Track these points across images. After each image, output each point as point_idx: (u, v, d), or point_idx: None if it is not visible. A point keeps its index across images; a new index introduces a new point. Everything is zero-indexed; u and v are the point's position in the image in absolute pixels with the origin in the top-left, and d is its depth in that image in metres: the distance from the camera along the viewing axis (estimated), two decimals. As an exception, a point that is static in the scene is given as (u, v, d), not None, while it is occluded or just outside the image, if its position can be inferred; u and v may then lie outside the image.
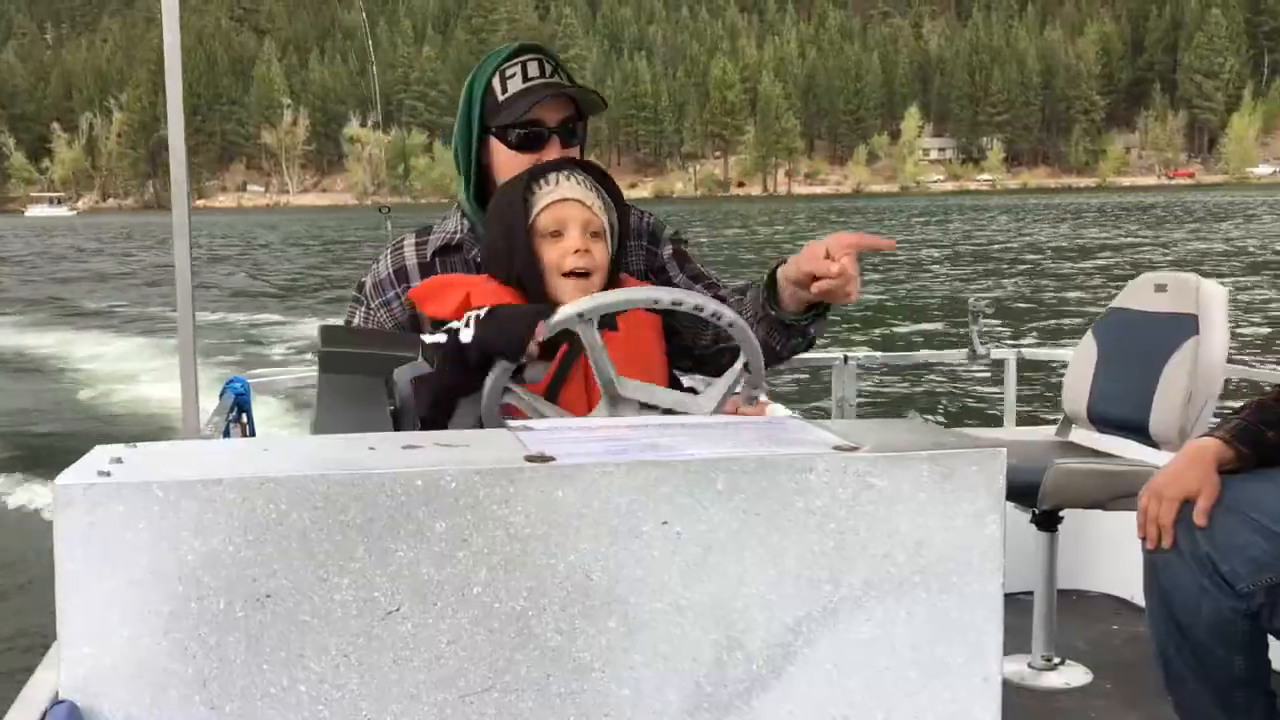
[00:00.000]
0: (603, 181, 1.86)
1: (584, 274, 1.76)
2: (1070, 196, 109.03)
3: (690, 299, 1.52)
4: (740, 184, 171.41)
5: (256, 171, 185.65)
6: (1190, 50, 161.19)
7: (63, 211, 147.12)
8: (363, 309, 1.99)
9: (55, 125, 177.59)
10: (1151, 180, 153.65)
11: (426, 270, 1.97)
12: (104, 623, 0.94)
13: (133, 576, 0.94)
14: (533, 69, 1.94)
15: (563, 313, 1.49)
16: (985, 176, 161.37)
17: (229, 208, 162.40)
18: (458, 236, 2.00)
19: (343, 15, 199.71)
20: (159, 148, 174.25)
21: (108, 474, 0.96)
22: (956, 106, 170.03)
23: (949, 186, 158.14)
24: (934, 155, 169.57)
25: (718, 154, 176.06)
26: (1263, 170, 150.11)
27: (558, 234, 1.77)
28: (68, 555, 0.93)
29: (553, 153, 1.92)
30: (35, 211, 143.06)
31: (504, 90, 1.93)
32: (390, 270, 1.98)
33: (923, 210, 73.28)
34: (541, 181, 1.81)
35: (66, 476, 0.95)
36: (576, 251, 1.75)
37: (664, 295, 1.52)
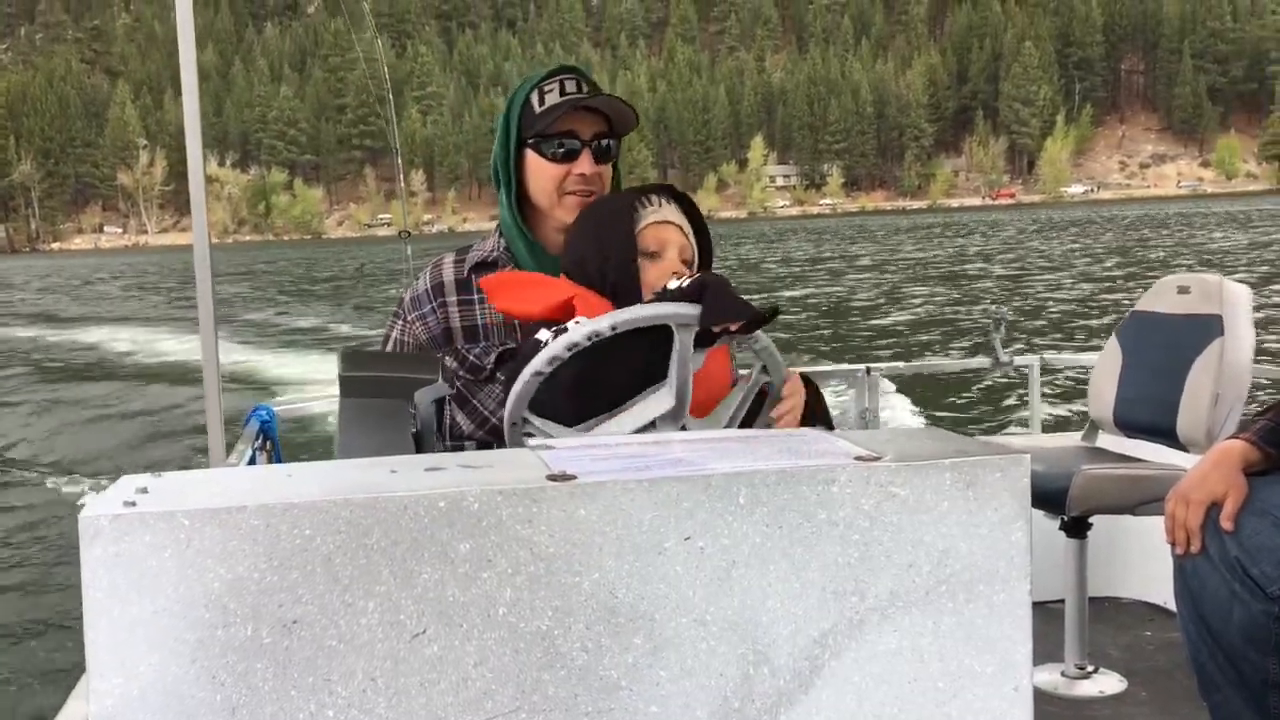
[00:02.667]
0: (690, 212, 1.92)
1: None
2: (908, 218, 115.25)
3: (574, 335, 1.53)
4: None
5: (114, 213, 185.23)
6: (1009, 80, 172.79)
7: None
8: (401, 322, 2.08)
9: None
10: (977, 201, 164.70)
11: (463, 286, 2.06)
12: (132, 652, 0.95)
13: (159, 605, 0.95)
14: (570, 85, 2.02)
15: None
16: (827, 201, 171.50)
17: (86, 249, 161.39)
18: (494, 254, 2.08)
19: (199, 57, 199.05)
20: (11, 192, 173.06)
21: (133, 504, 0.96)
22: (799, 135, 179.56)
23: (794, 211, 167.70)
24: (780, 182, 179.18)
25: None
26: (1075, 190, 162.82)
27: (657, 254, 1.81)
28: (95, 586, 0.94)
29: (584, 165, 1.98)
30: None
31: (541, 104, 2.00)
32: (429, 285, 2.07)
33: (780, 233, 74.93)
34: (646, 200, 1.86)
35: (91, 508, 0.96)
36: (675, 274, 1.79)
37: (539, 363, 1.53)
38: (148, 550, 0.94)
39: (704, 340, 1.58)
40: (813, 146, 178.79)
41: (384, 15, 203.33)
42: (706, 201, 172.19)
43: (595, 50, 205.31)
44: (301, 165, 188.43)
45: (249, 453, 2.56)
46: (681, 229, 1.84)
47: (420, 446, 1.48)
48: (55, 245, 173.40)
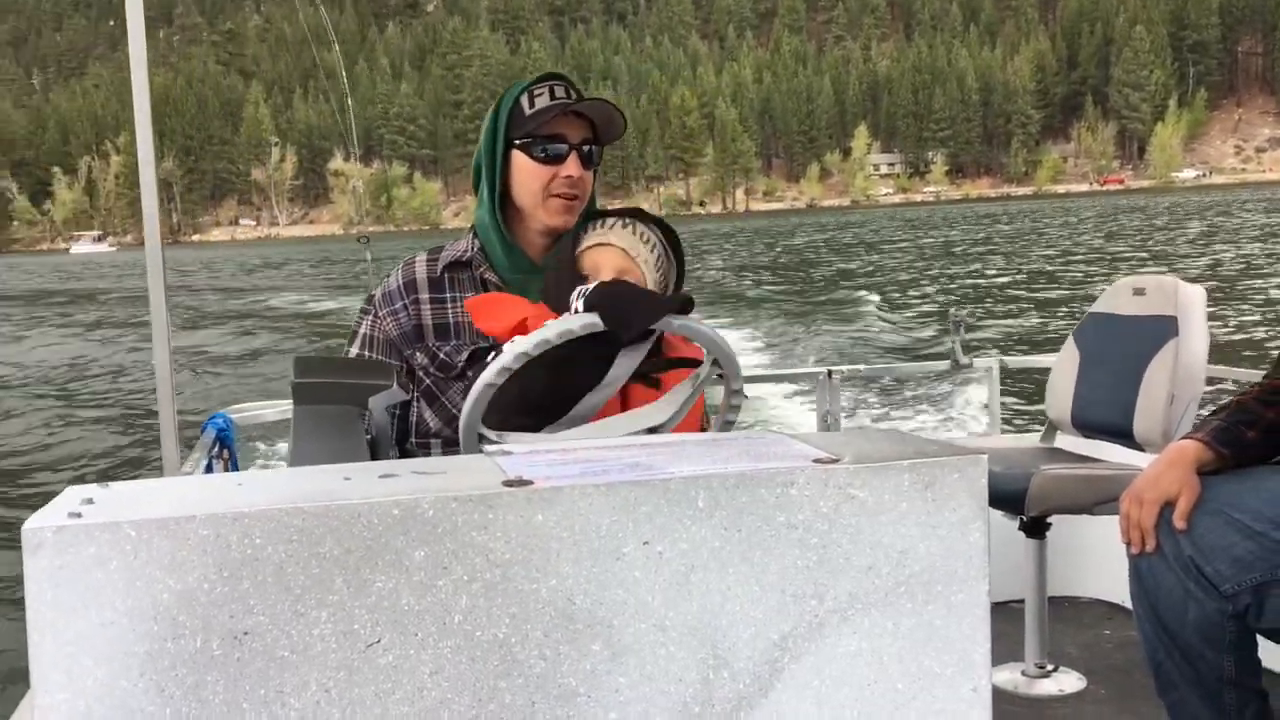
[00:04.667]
0: (667, 237, 1.90)
1: None
2: (1016, 204, 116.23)
3: (530, 341, 1.52)
4: (701, 203, 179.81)
5: (248, 206, 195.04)
6: (1120, 64, 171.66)
7: (104, 248, 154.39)
8: (370, 318, 2.07)
9: (56, 169, 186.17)
10: (1084, 187, 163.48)
11: (435, 284, 2.06)
12: (78, 666, 0.93)
13: (106, 618, 0.93)
14: (559, 91, 2.04)
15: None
16: (931, 188, 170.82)
17: (224, 240, 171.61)
18: (468, 254, 2.08)
19: (323, 56, 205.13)
20: (157, 187, 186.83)
21: (78, 515, 0.94)
22: (903, 123, 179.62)
23: (896, 199, 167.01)
24: (883, 170, 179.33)
25: (680, 175, 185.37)
26: (1187, 174, 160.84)
27: (590, 277, 1.81)
28: (39, 599, 0.92)
29: (571, 168, 2.00)
30: (79, 249, 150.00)
31: (531, 106, 2.02)
32: (400, 282, 2.07)
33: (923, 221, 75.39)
34: (594, 225, 1.87)
35: (35, 520, 0.94)
36: (580, 291, 1.77)
37: (489, 375, 1.52)
38: (93, 562, 0.92)
39: (653, 341, 1.61)
40: (917, 134, 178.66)
41: (499, 12, 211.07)
42: (809, 190, 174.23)
43: (703, 42, 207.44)
44: (420, 159, 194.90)
45: (205, 462, 2.52)
46: (626, 251, 1.82)
47: (375, 453, 1.47)
48: (195, 237, 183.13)
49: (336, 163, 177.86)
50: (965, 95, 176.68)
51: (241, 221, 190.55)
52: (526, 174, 2.01)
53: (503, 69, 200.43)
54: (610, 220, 1.88)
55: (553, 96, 2.02)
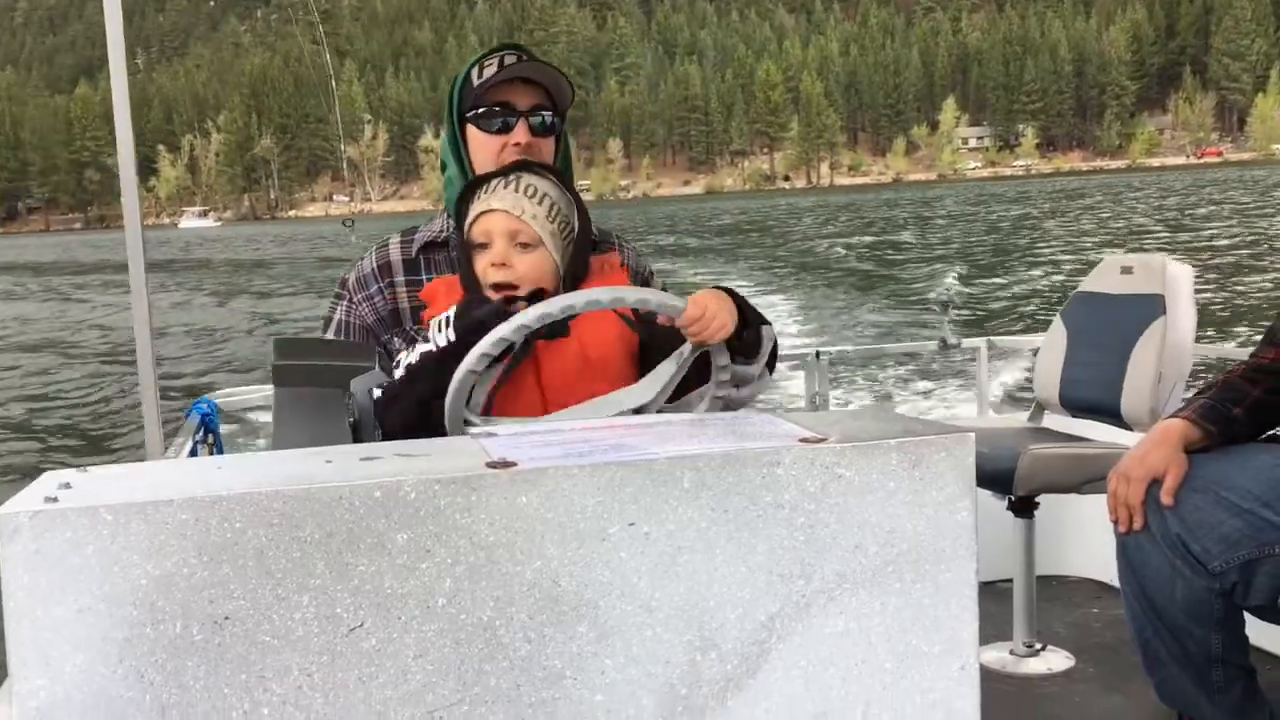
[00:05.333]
0: (562, 183, 1.86)
1: (509, 287, 1.75)
2: (1110, 177, 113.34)
3: (631, 294, 1.49)
4: (786, 178, 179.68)
5: (341, 182, 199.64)
6: (1219, 34, 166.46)
7: (210, 223, 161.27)
8: (345, 303, 2.03)
9: (160, 147, 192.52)
10: (1180, 160, 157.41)
11: (411, 266, 2.01)
12: (56, 653, 0.91)
13: (84, 604, 0.91)
14: (509, 60, 1.99)
15: (499, 331, 1.47)
16: (1021, 162, 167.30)
17: (319, 216, 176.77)
18: (443, 234, 2.04)
19: (414, 34, 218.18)
20: (253, 164, 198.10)
21: (54, 499, 0.93)
22: (993, 96, 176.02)
23: (985, 173, 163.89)
24: (972, 143, 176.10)
25: (764, 150, 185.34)
26: None
27: (484, 245, 1.78)
28: (15, 585, 0.90)
29: (520, 135, 1.95)
30: (186, 224, 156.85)
31: (480, 77, 1.98)
32: (375, 265, 2.02)
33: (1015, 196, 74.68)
34: (481, 190, 1.82)
35: (11, 505, 0.92)
36: (494, 265, 1.76)
37: (603, 295, 1.49)
38: (69, 547, 0.91)
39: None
40: (1007, 107, 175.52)
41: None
42: (895, 164, 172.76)
43: (790, 16, 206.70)
44: None
45: (189, 446, 2.50)
46: (509, 212, 1.77)
47: (358, 436, 1.45)
48: (292, 212, 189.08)
49: (426, 139, 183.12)
50: (1058, 67, 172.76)
51: (335, 197, 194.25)
52: (480, 146, 1.98)
53: (589, 45, 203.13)
54: (493, 182, 1.82)
55: (501, 66, 1.97)
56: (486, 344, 1.48)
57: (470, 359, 1.47)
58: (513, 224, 1.77)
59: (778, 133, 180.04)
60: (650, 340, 1.83)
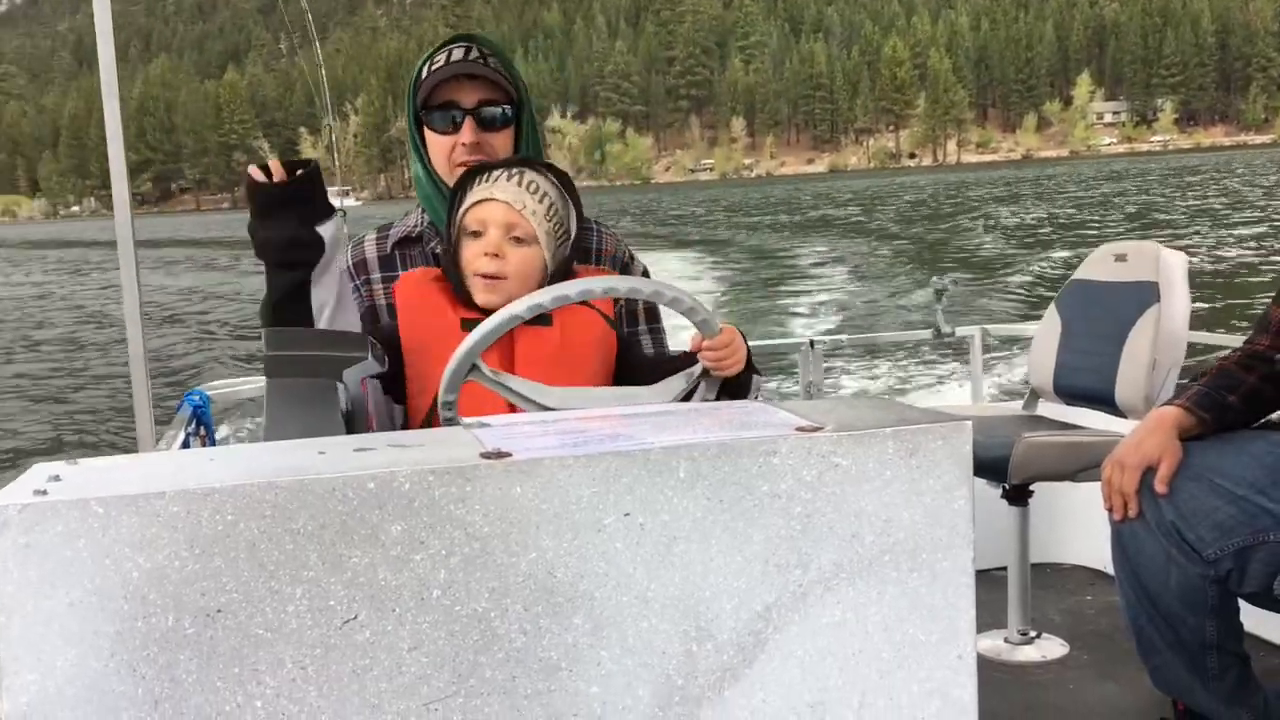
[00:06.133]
0: (563, 183, 1.85)
1: (497, 278, 1.74)
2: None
3: (673, 291, 1.48)
4: (911, 155, 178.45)
5: None
6: None
7: (351, 201, 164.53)
8: None
9: (302, 129, 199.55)
10: None
11: (386, 262, 2.00)
12: (47, 647, 0.91)
13: (75, 597, 0.91)
14: (456, 54, 1.96)
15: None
16: (1158, 137, 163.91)
17: None
18: (418, 229, 2.02)
19: (544, 16, 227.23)
20: (389, 146, 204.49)
21: (44, 492, 0.92)
22: (1130, 70, 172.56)
23: (1120, 149, 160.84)
24: (1107, 119, 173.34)
25: (889, 128, 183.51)
26: None
27: (477, 234, 1.76)
28: (5, 579, 0.89)
29: (467, 134, 1.93)
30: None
31: (428, 74, 1.95)
32: (350, 264, 2.00)
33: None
34: (480, 178, 1.80)
35: (0, 497, 0.91)
36: (487, 254, 1.74)
37: (645, 286, 1.46)
38: (60, 540, 0.90)
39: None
40: (1145, 81, 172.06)
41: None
42: (1025, 141, 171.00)
43: None
44: (633, 115, 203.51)
45: (181, 438, 2.49)
46: (510, 204, 1.76)
47: (351, 427, 1.44)
48: None
49: (554, 120, 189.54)
50: (1200, 38, 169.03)
51: None
52: (432, 145, 1.96)
53: (715, 24, 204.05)
54: (495, 172, 1.80)
55: (448, 60, 1.95)
56: (523, 306, 1.42)
57: (499, 319, 1.41)
58: (511, 216, 1.76)
59: (903, 110, 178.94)
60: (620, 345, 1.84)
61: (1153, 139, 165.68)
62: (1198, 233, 27.05)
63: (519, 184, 1.78)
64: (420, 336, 1.75)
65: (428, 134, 1.97)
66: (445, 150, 1.94)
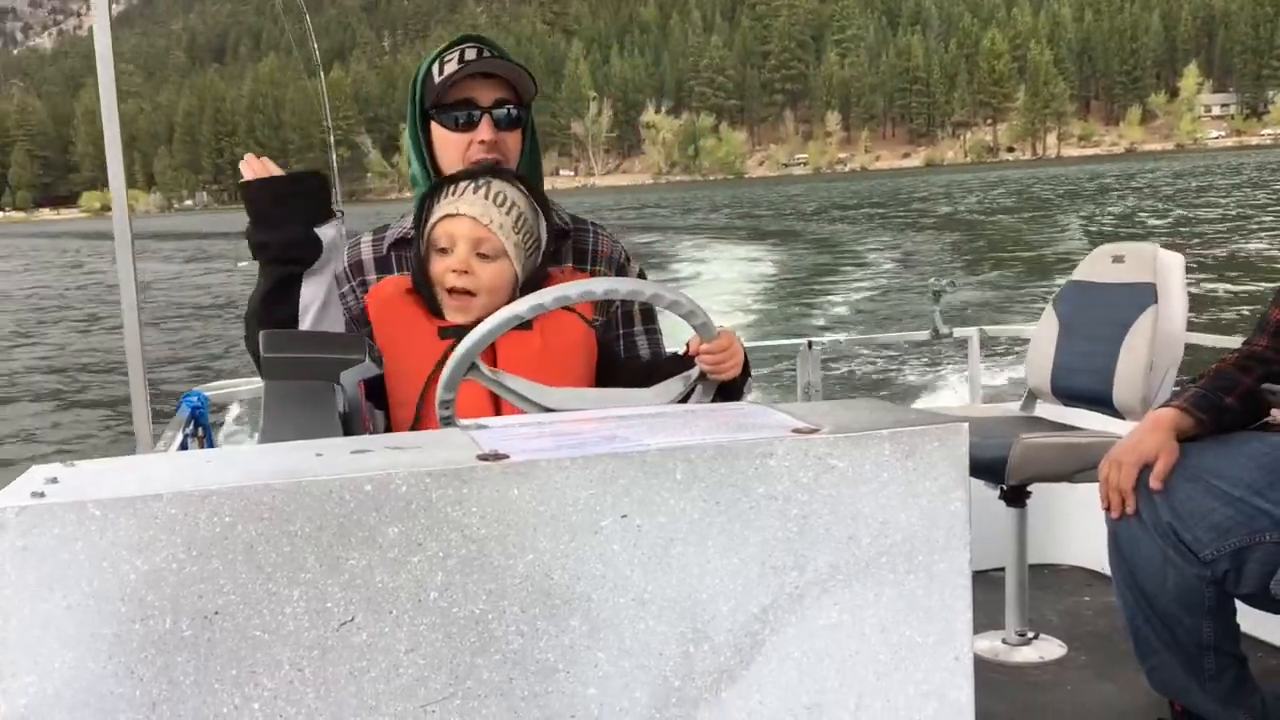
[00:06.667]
0: (533, 193, 1.84)
1: (467, 294, 1.75)
2: None
3: (673, 294, 1.48)
4: (1010, 149, 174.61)
5: (568, 158, 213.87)
6: None
7: None
8: None
9: (403, 125, 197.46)
10: None
11: (382, 264, 1.99)
12: (45, 649, 0.91)
13: (72, 600, 0.91)
14: (470, 54, 1.96)
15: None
16: (1269, 130, 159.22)
17: (545, 191, 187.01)
18: (413, 231, 2.00)
19: (640, 11, 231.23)
20: None
21: (42, 495, 0.92)
22: (1239, 61, 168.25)
23: (1228, 143, 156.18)
24: (1216, 111, 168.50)
25: (987, 121, 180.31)
26: None
27: (445, 250, 1.77)
28: (3, 581, 0.90)
29: (485, 132, 1.93)
30: None
31: (441, 73, 1.95)
32: (346, 265, 1.99)
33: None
34: (448, 190, 1.79)
35: None
36: (455, 271, 1.75)
37: (646, 288, 1.46)
38: (57, 543, 0.90)
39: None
40: (1255, 72, 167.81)
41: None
42: (1129, 134, 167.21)
43: None
44: (728, 110, 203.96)
45: (179, 439, 2.49)
46: (478, 220, 1.75)
47: (348, 429, 1.44)
48: None
49: (649, 115, 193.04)
50: None
51: (561, 172, 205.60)
52: (444, 143, 1.96)
53: (811, 18, 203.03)
54: (461, 184, 1.79)
55: (462, 60, 1.95)
56: (525, 305, 1.41)
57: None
58: (479, 232, 1.76)
59: (1002, 103, 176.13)
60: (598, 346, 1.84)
61: (1263, 132, 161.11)
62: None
63: (486, 196, 1.77)
64: (398, 348, 1.75)
65: (439, 133, 1.96)
66: (460, 148, 1.93)
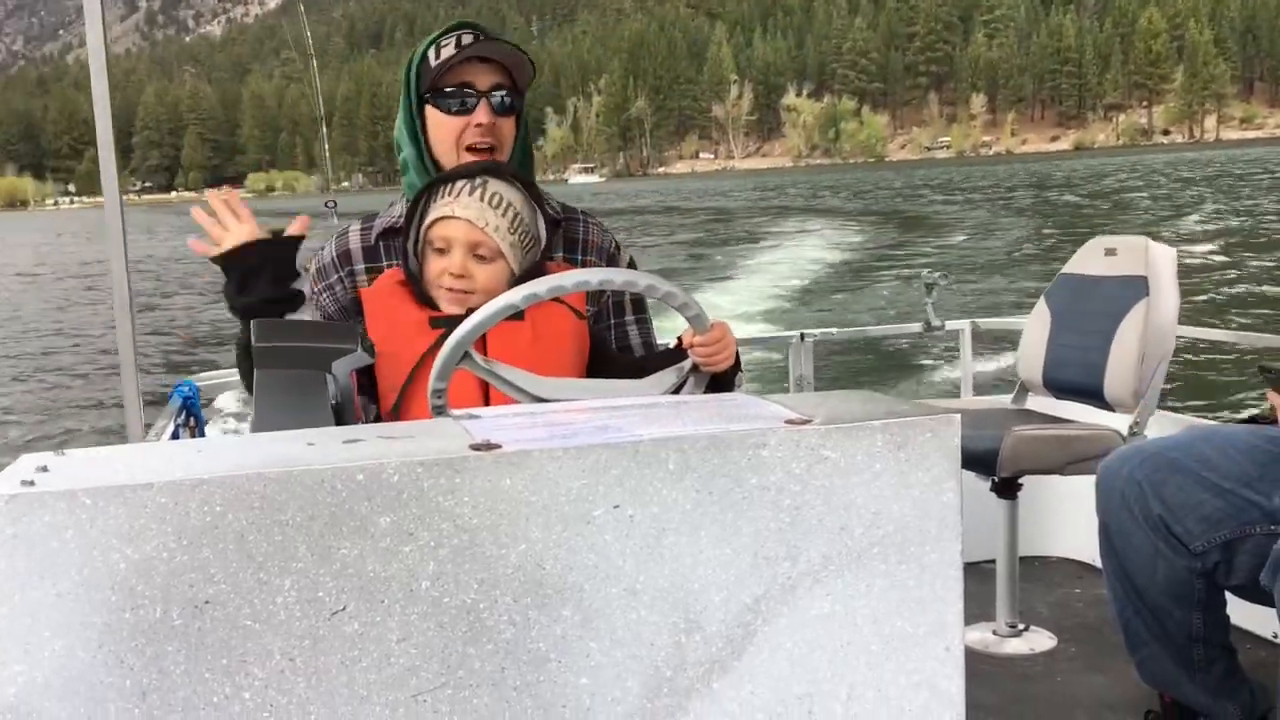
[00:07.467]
0: (531, 192, 1.84)
1: (463, 294, 1.75)
2: None
3: (667, 286, 1.47)
4: (1165, 132, 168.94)
5: (708, 141, 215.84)
6: None
7: (595, 179, 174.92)
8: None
9: (548, 109, 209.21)
10: None
11: (370, 253, 1.98)
12: (35, 638, 0.90)
13: (63, 588, 0.90)
14: (466, 39, 1.96)
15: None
16: None
17: (685, 173, 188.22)
18: (402, 220, 1.98)
19: None
20: (628, 125, 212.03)
21: (32, 483, 0.91)
22: None
23: None
24: None
25: (1142, 103, 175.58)
26: None
27: (441, 250, 1.76)
28: None
29: (481, 115, 1.93)
30: (574, 179, 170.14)
31: (437, 58, 1.94)
32: (334, 254, 1.99)
33: None
34: (443, 190, 1.79)
35: None
36: (452, 275, 1.75)
37: (640, 279, 1.46)
38: (48, 531, 0.90)
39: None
40: None
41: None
42: None
43: None
44: (870, 93, 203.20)
45: (171, 429, 2.49)
46: (473, 222, 1.75)
47: (340, 418, 1.44)
48: (661, 170, 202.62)
49: (789, 98, 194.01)
50: None
51: (701, 155, 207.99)
52: (440, 127, 1.94)
53: None
54: (457, 184, 1.78)
55: (458, 46, 1.94)
56: (519, 295, 1.41)
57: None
58: (475, 235, 1.75)
59: (1157, 84, 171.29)
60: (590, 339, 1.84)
61: None
62: None
63: (482, 198, 1.76)
64: (388, 336, 1.74)
65: (435, 117, 1.95)
66: (454, 132, 1.93)
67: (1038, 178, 69.03)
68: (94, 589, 0.91)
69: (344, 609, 0.95)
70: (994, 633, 3.09)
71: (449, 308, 1.75)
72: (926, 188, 64.40)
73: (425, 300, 1.78)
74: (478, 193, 1.77)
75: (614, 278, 1.45)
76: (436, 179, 1.83)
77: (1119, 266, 3.03)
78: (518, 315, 1.62)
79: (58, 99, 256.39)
